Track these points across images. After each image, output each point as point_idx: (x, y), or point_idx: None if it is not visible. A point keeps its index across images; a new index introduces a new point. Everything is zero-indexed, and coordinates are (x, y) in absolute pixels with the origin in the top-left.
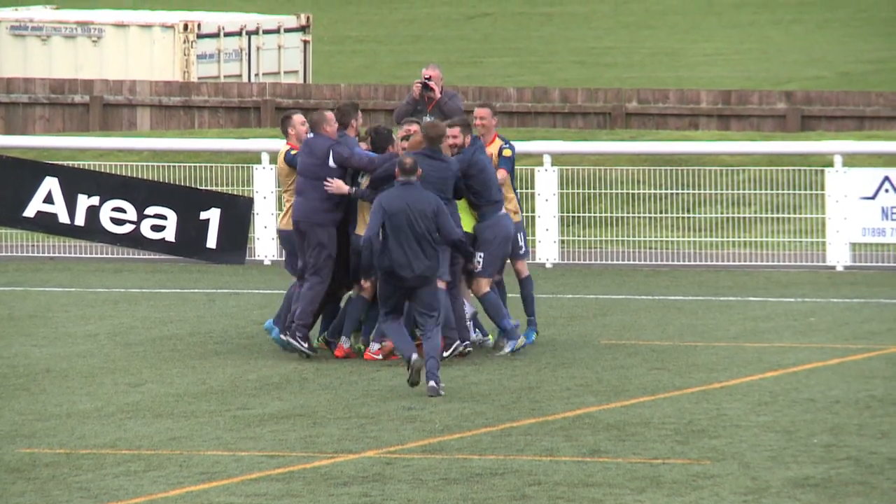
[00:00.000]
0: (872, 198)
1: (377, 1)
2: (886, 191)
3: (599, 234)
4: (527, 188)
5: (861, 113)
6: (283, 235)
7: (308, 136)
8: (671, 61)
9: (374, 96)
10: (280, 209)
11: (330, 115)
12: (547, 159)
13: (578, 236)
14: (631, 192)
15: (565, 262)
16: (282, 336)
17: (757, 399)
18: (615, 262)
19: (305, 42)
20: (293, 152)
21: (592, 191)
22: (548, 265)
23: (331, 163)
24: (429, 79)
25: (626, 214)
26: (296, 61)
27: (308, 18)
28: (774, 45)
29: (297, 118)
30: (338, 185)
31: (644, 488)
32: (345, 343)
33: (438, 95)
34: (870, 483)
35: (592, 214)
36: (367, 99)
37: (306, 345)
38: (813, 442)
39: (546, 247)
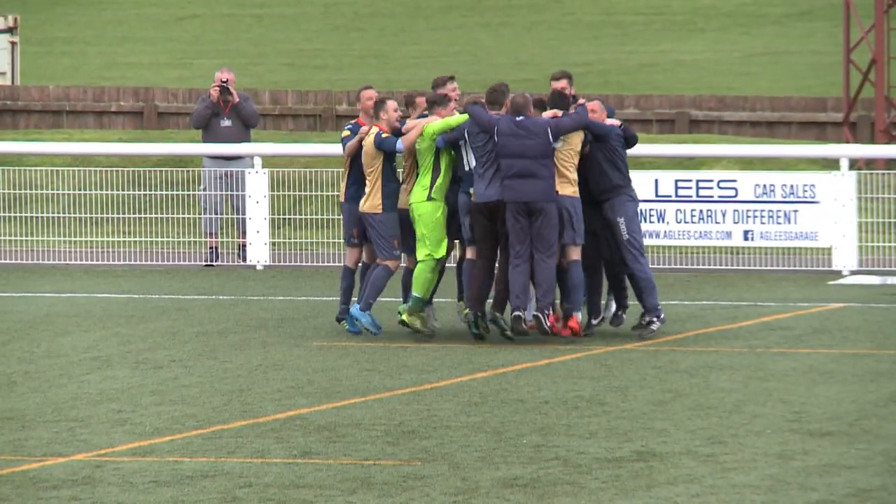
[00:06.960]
0: None
1: (86, 2)
2: None
3: (311, 235)
4: (239, 189)
5: None
6: (377, 219)
7: (517, 118)
8: (380, 63)
9: (83, 98)
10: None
11: (527, 97)
12: (258, 161)
13: (291, 238)
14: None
15: (277, 263)
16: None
17: (467, 400)
18: (325, 263)
19: (13, 43)
20: (384, 135)
21: (305, 193)
22: (258, 266)
23: (552, 139)
24: (225, 82)
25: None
26: (3, 63)
27: (16, 20)
28: (483, 47)
29: (391, 104)
30: None
31: (355, 489)
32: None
33: (237, 99)
34: (578, 483)
35: (302, 217)
36: (75, 101)
37: (549, 323)
38: (522, 442)
39: (258, 248)
